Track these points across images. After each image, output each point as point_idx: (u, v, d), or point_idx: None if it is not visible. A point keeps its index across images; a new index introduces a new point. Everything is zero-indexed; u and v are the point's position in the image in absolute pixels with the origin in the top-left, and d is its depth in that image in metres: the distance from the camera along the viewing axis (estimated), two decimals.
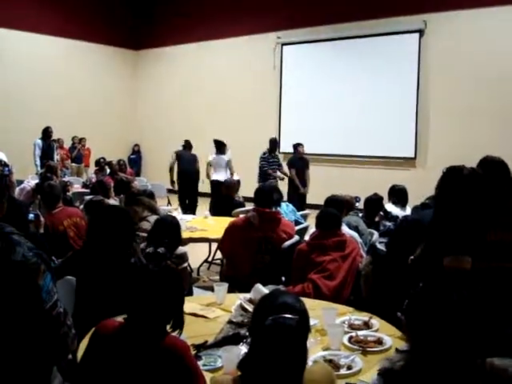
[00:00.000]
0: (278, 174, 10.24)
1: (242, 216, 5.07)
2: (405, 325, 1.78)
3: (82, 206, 5.91)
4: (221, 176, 9.79)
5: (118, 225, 3.10)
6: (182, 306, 2.14)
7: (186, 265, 4.07)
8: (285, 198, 8.25)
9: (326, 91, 12.85)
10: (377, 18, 11.87)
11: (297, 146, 10.40)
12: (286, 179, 10.32)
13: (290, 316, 1.69)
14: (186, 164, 10.21)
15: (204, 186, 10.67)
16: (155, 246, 3.80)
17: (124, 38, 16.54)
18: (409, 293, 2.51)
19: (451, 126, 11.05)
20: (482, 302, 1.82)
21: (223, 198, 7.36)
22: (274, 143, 10.52)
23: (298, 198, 9.56)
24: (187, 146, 10.41)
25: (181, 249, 3.95)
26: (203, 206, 9.60)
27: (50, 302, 2.04)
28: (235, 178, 9.14)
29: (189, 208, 9.84)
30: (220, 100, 14.70)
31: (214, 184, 9.85)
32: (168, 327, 2.07)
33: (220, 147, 10.06)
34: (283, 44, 13.63)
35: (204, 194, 10.79)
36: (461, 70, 10.93)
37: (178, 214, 7.17)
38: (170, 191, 10.74)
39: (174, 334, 2.07)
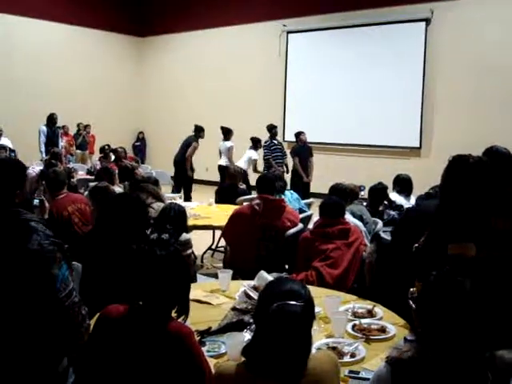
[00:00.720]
0: (283, 169, 10.11)
1: (246, 204, 5.08)
2: (415, 313, 1.77)
3: (86, 193, 5.91)
4: (224, 161, 10.25)
5: (136, 214, 3.17)
6: (189, 291, 2.15)
7: (190, 251, 4.08)
8: (288, 186, 8.23)
9: (331, 80, 12.78)
10: (383, 6, 11.78)
11: (298, 135, 10.34)
12: (290, 167, 10.31)
13: (295, 303, 1.69)
14: (177, 151, 10.27)
15: (209, 174, 10.66)
16: (159, 232, 3.81)
17: (129, 25, 16.46)
18: (412, 281, 2.51)
19: (457, 116, 11.00)
20: (487, 291, 1.82)
21: (227, 186, 7.40)
22: (272, 128, 10.41)
23: (301, 187, 9.54)
24: (196, 130, 10.30)
25: (184, 236, 3.96)
26: (208, 193, 9.61)
27: (64, 291, 2.04)
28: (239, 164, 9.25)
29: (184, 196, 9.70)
30: (225, 88, 14.65)
31: (219, 169, 10.33)
32: (173, 313, 2.08)
33: (226, 134, 10.38)
34: (289, 32, 13.54)
35: (210, 182, 10.77)
36: (467, 60, 10.85)
37: (181, 201, 7.18)
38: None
39: (179, 320, 2.08)
